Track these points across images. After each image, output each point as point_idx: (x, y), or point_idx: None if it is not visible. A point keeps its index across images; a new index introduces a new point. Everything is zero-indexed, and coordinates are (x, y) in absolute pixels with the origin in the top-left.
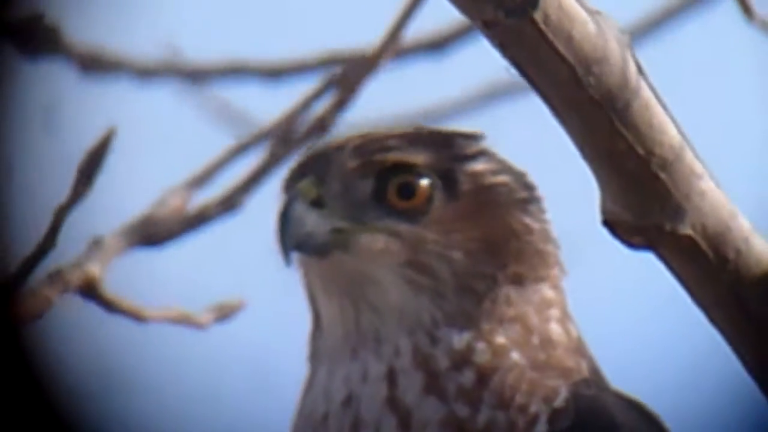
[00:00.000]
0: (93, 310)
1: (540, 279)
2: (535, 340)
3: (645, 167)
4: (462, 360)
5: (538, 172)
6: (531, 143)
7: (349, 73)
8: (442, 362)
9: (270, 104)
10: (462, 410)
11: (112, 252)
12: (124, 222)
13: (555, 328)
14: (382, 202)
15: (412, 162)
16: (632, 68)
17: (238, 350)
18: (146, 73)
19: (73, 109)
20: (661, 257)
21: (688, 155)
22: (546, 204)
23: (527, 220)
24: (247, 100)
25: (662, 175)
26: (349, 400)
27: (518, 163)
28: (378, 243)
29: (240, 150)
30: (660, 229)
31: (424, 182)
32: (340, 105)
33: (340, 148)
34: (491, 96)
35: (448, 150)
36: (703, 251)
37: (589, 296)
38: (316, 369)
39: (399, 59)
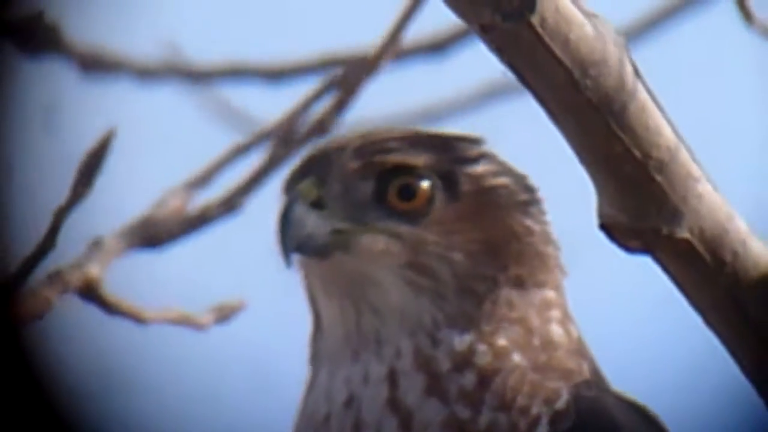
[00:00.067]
0: (93, 311)
1: (540, 281)
2: (536, 341)
3: (642, 170)
4: (463, 361)
5: (535, 174)
6: (528, 145)
7: (349, 75)
8: (444, 364)
9: (270, 105)
10: (463, 412)
11: (112, 253)
12: (124, 223)
13: (556, 330)
14: (383, 204)
15: (412, 163)
16: (629, 71)
17: (238, 351)
18: (146, 74)
19: (73, 109)
20: (658, 260)
21: (685, 158)
22: (545, 206)
23: (528, 222)
24: (247, 101)
25: (659, 178)
26: (350, 402)
27: (516, 165)
28: (378, 244)
29: (240, 151)
30: (657, 233)
31: (425, 184)
32: (340, 106)
33: (340, 149)
34: (489, 97)
35: (448, 152)
36: (700, 254)
37: (587, 299)
38: (317, 370)
39: (399, 61)
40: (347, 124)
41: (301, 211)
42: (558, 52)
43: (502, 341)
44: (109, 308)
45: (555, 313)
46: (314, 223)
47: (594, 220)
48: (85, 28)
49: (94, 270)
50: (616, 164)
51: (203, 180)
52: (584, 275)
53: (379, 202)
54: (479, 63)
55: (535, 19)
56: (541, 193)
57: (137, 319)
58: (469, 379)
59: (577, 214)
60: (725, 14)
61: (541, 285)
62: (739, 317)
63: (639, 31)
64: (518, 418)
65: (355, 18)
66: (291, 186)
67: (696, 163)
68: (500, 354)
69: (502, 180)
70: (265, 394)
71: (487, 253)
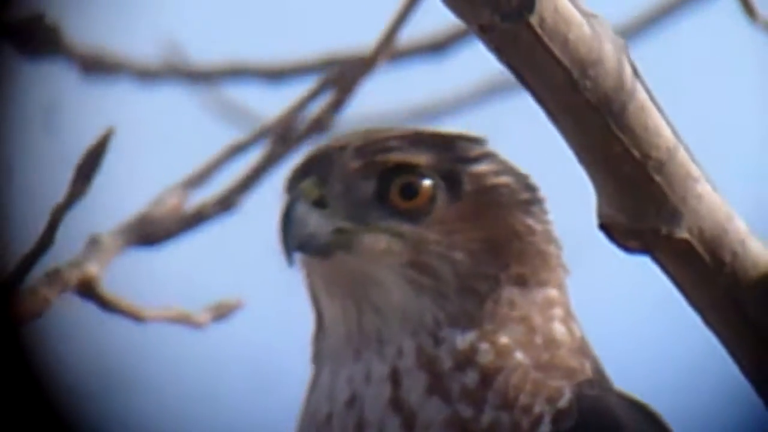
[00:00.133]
0: (91, 309)
1: (543, 279)
2: (539, 340)
3: (641, 170)
4: (465, 360)
5: (535, 173)
6: (528, 144)
7: (346, 73)
8: (446, 363)
9: (270, 104)
10: (466, 411)
11: (110, 251)
12: (122, 221)
13: (558, 328)
14: (385, 203)
15: (414, 162)
16: (628, 71)
17: (237, 349)
18: (146, 74)
19: (73, 110)
20: (658, 261)
21: (684, 158)
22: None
23: (529, 221)
24: (248, 101)
25: (658, 178)
26: (352, 401)
27: (516, 164)
28: (380, 243)
29: (238, 149)
30: (656, 233)
31: (427, 183)
32: (338, 104)
33: (342, 148)
34: (488, 96)
35: (450, 151)
36: (700, 254)
37: (586, 299)
38: (319, 370)
39: (398, 60)
40: (347, 122)
41: (303, 210)
42: (557, 52)
43: (504, 340)
44: (108, 306)
45: (557, 312)
46: (316, 223)
47: (593, 220)
48: (85, 29)
49: (92, 268)
50: (615, 164)
51: (201, 178)
52: (584, 275)
53: (381, 201)
54: (478, 62)
55: (533, 20)
56: (542, 192)
57: (135, 317)
58: (471, 377)
59: (577, 214)
60: (727, 10)
61: (543, 284)
62: (738, 317)
63: (639, 29)
64: (521, 416)
65: (355, 18)
66: (293, 185)
67: (695, 163)
68: (503, 352)
69: (504, 179)
70: (264, 393)
71: (488, 252)
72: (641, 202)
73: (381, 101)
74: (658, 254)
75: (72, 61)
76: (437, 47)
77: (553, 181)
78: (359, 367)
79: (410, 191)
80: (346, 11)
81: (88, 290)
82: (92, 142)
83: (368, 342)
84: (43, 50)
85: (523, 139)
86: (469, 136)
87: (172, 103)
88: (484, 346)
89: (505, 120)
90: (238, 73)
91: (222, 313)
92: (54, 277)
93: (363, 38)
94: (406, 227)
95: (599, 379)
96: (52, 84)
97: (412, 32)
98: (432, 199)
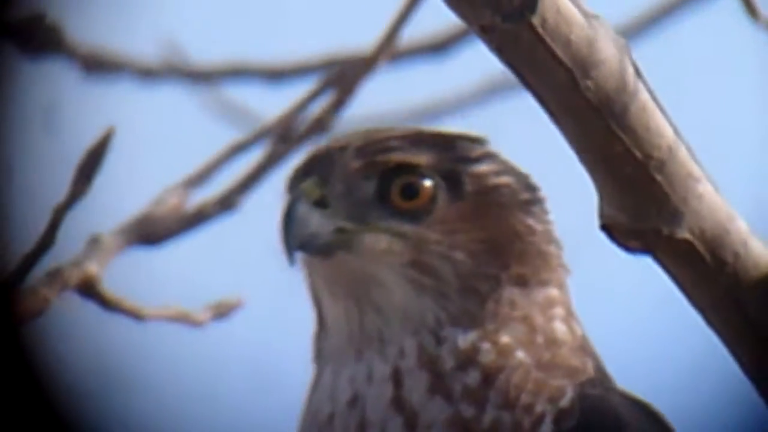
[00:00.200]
0: (91, 308)
1: (543, 279)
2: (540, 339)
3: (642, 171)
4: (467, 360)
5: (535, 173)
6: (529, 144)
7: (346, 73)
8: (448, 362)
9: (271, 104)
10: (467, 410)
11: (110, 250)
12: (122, 221)
13: (559, 327)
14: (386, 203)
15: (415, 162)
16: (630, 71)
17: (237, 349)
18: (147, 73)
19: (74, 109)
20: (659, 261)
21: (686, 158)
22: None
23: (530, 221)
24: (248, 101)
25: (659, 179)
26: (354, 401)
27: (517, 164)
28: (381, 243)
29: (238, 149)
30: (657, 233)
31: (428, 183)
32: (338, 104)
33: (343, 148)
34: (489, 96)
35: (451, 151)
36: (701, 255)
37: (587, 298)
38: (321, 370)
39: (399, 60)
40: (348, 122)
41: (304, 210)
42: (559, 52)
43: (505, 339)
44: (108, 305)
45: (558, 311)
46: (317, 222)
47: (594, 220)
48: (86, 29)
49: (92, 267)
50: (616, 165)
51: (201, 178)
52: (584, 274)
53: (382, 201)
54: (479, 62)
55: (535, 20)
56: (542, 193)
57: (136, 316)
58: (473, 377)
59: (577, 214)
60: (729, 10)
61: (544, 283)
62: (739, 317)
63: (641, 28)
64: (522, 416)
65: (356, 17)
66: (294, 185)
67: (697, 163)
68: (504, 352)
69: (505, 179)
70: (264, 393)
71: (489, 252)
72: (642, 203)
73: (382, 101)
74: (659, 254)
75: (72, 60)
76: (438, 47)
77: (553, 181)
78: (361, 367)
79: (411, 191)
80: (347, 11)
81: (88, 290)
82: (93, 141)
83: (370, 342)
84: (43, 50)
85: (524, 139)
86: (470, 136)
87: (173, 102)
88: (486, 345)
89: (506, 120)
90: (238, 73)
91: (222, 312)
92: (54, 276)
93: (364, 38)
94: (406, 227)
95: (601, 378)
96: (53, 83)
97: (413, 32)
98: (433, 199)
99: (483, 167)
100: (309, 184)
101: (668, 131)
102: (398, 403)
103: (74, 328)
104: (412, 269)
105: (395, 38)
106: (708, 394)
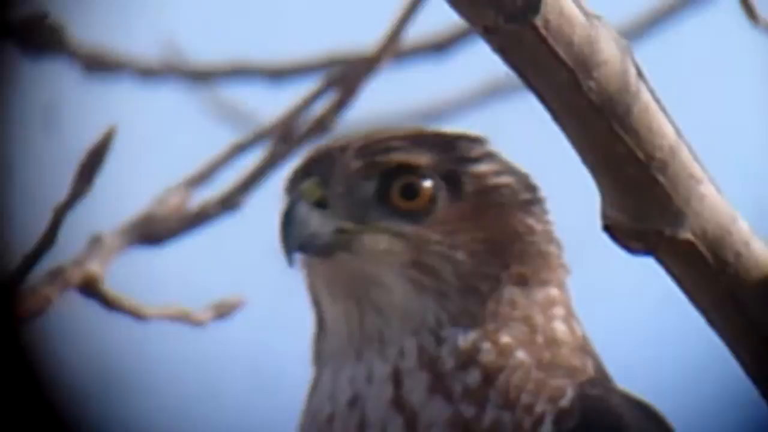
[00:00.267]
0: (93, 307)
1: (544, 279)
2: (540, 339)
3: (645, 172)
4: (467, 360)
5: (537, 173)
6: (530, 144)
7: (348, 74)
8: (448, 362)
9: (272, 104)
10: (468, 410)
11: (111, 250)
12: (124, 220)
13: (560, 327)
14: (386, 203)
15: (415, 163)
16: (632, 72)
17: (237, 349)
18: (148, 73)
19: (75, 109)
20: (661, 261)
21: (688, 159)
22: (548, 205)
23: (530, 221)
24: (249, 101)
25: (662, 180)
26: (354, 401)
27: (518, 164)
28: (381, 243)
29: (240, 149)
30: (660, 234)
31: (428, 183)
32: (340, 105)
33: (343, 148)
34: (491, 96)
35: (451, 151)
36: (703, 255)
37: (589, 298)
38: (321, 370)
39: (401, 60)
40: (349, 123)
41: (304, 210)
42: (561, 53)
43: (506, 339)
44: (109, 305)
45: (559, 311)
46: (317, 223)
47: (595, 220)
48: (87, 28)
49: (94, 267)
50: (618, 166)
51: (203, 178)
52: (586, 274)
53: (382, 201)
54: (482, 62)
55: (538, 21)
56: (543, 193)
57: (137, 315)
58: (473, 377)
59: (579, 213)
60: (728, 12)
61: (544, 283)
62: (740, 317)
63: (641, 30)
64: (522, 416)
65: (358, 18)
66: (294, 185)
67: (698, 164)
68: (504, 351)
69: (505, 179)
70: (264, 392)
71: (489, 252)
72: (645, 203)
73: (383, 101)
74: (661, 255)
75: (73, 60)
76: (440, 47)
77: (555, 182)
78: (361, 368)
79: (411, 192)
80: (349, 11)
81: (89, 289)
82: (94, 141)
83: (370, 342)
84: (44, 49)
85: (526, 139)
86: (470, 137)
87: (173, 102)
88: (486, 345)
89: (508, 120)
90: (238, 73)
91: (223, 311)
92: (56, 275)
93: (366, 38)
94: (407, 227)
95: (601, 378)
96: (54, 83)
97: (416, 32)
98: (433, 199)
99: (483, 167)
100: (309, 185)
101: (670, 132)
102: (398, 403)
103: (75, 328)
104: (412, 269)
105: (397, 38)
106: (709, 395)
